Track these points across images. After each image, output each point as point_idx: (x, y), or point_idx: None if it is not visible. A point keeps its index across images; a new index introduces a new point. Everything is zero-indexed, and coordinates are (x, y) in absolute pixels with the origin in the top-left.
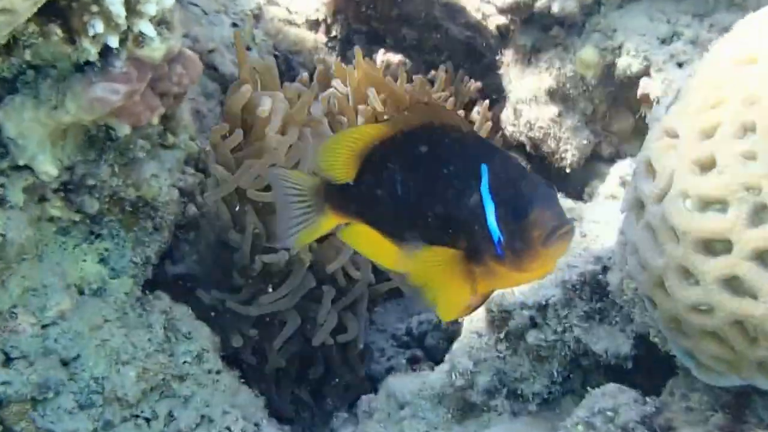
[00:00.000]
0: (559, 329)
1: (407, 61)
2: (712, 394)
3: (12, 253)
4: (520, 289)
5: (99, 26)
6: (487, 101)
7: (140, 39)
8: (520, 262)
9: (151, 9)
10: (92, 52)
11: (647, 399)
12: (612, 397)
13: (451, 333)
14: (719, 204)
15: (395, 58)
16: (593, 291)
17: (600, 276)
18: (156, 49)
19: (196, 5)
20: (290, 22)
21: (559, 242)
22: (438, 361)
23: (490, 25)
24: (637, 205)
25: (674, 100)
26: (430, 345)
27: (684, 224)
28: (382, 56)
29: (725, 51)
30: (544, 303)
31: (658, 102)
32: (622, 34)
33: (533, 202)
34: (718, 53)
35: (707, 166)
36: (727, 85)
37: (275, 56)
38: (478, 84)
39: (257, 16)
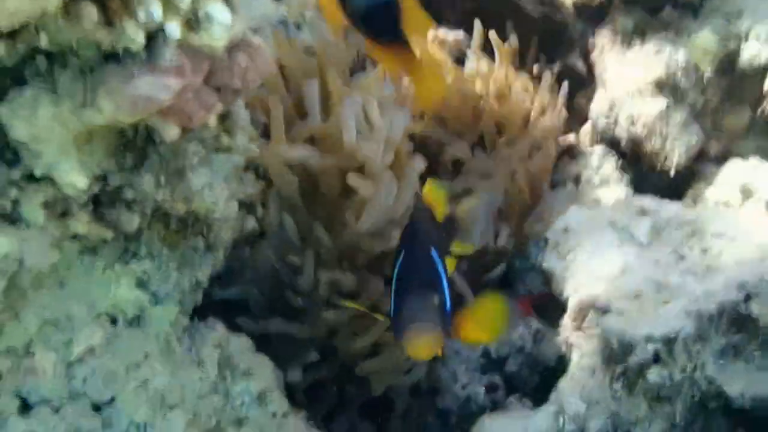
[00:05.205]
0: (689, 367)
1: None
2: None
3: (28, 280)
4: (647, 321)
5: (157, 9)
6: (566, 86)
7: (193, 22)
8: None
9: None
10: (139, 40)
11: None
12: None
13: (535, 358)
14: None
15: (451, 35)
16: (731, 323)
17: (742, 305)
18: (218, 38)
19: None
20: None
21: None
22: (521, 392)
23: (566, 1)
24: None
25: None
26: (511, 372)
27: None
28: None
29: None
30: (673, 336)
31: None
32: (749, 17)
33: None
34: None
35: None
36: None
37: None
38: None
39: None
